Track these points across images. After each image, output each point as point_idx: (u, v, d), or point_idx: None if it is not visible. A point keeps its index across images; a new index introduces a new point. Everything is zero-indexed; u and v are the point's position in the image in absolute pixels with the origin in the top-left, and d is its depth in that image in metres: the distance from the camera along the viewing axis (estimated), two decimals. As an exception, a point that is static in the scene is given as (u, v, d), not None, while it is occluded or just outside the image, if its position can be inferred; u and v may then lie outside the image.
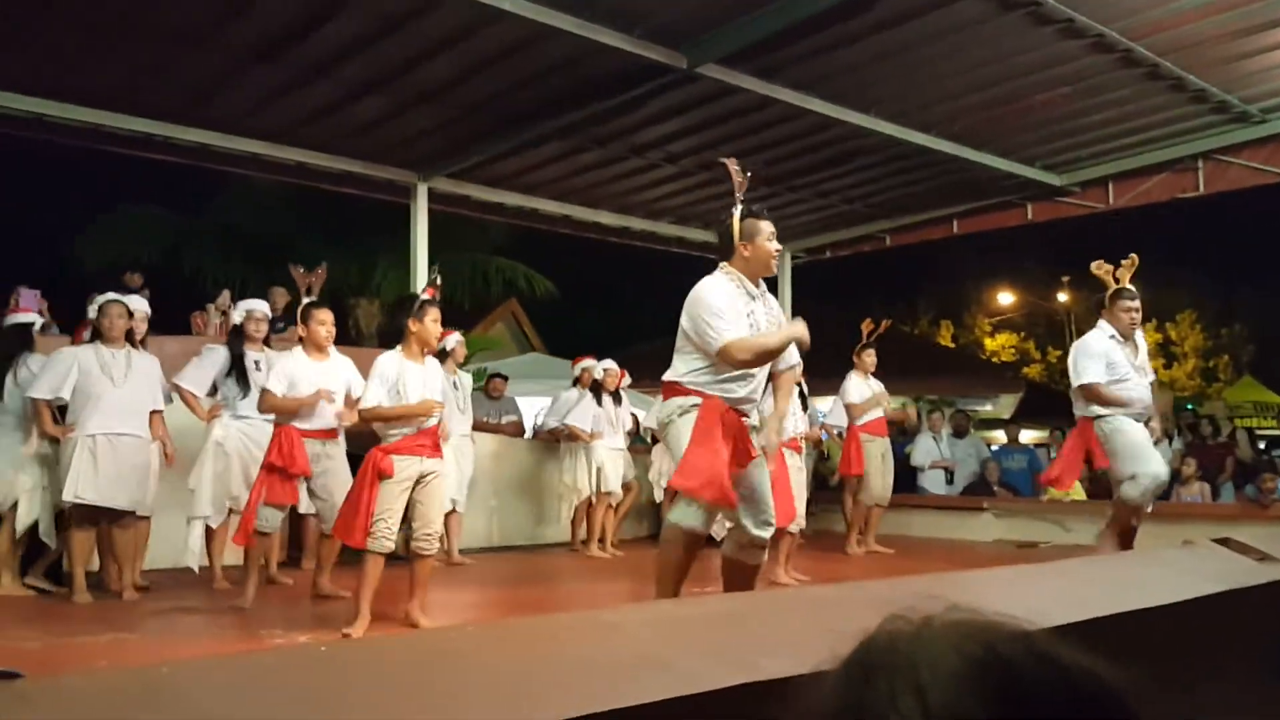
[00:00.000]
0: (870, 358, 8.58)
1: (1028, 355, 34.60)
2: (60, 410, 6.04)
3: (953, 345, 33.08)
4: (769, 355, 4.17)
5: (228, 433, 6.45)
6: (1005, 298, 32.62)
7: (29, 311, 6.81)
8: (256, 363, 6.57)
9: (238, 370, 6.53)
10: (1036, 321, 34.68)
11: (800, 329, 4.23)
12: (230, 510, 6.40)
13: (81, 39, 6.76)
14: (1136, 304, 6.15)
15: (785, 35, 6.77)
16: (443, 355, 8.07)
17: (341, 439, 5.95)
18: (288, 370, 5.75)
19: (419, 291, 5.33)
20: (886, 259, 13.63)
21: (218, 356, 6.69)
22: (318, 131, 8.47)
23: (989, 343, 34.90)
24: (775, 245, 4.25)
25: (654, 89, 7.53)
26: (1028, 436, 13.44)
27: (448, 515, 7.77)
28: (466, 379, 8.30)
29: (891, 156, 9.38)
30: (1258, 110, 8.30)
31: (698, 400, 4.09)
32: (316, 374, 5.79)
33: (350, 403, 5.82)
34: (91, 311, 6.11)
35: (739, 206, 4.26)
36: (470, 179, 9.84)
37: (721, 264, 4.27)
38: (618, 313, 27.11)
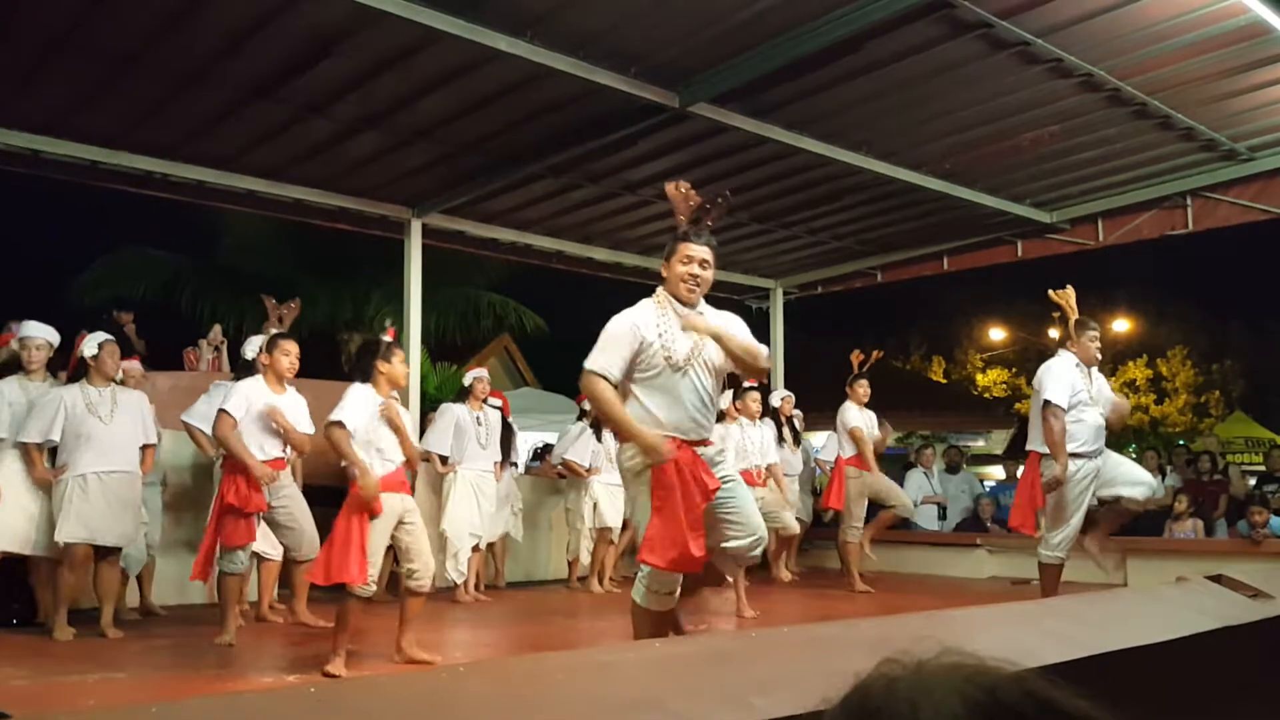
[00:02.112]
0: (863, 388, 8.58)
1: (1019, 391, 34.64)
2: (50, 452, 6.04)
3: (944, 380, 33.15)
4: (604, 416, 3.95)
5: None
6: (997, 333, 32.71)
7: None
8: None
9: None
10: (1028, 357, 34.74)
11: (652, 444, 3.85)
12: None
13: (78, 76, 6.80)
14: (1098, 334, 6.36)
15: (777, 76, 6.83)
16: (465, 393, 8.13)
17: (289, 469, 6.01)
18: (246, 394, 5.76)
19: (382, 334, 5.36)
20: (878, 295, 13.71)
21: (226, 393, 6.71)
22: (313, 168, 8.51)
23: (981, 378, 34.96)
24: (689, 269, 4.06)
25: (647, 128, 7.58)
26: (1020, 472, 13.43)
27: (474, 550, 7.84)
28: (494, 415, 8.31)
29: (882, 194, 9.44)
30: (1245, 148, 8.38)
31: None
32: (269, 403, 5.83)
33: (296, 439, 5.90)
34: (88, 350, 6.10)
35: (685, 228, 4.20)
36: (464, 215, 9.87)
37: (657, 290, 4.21)
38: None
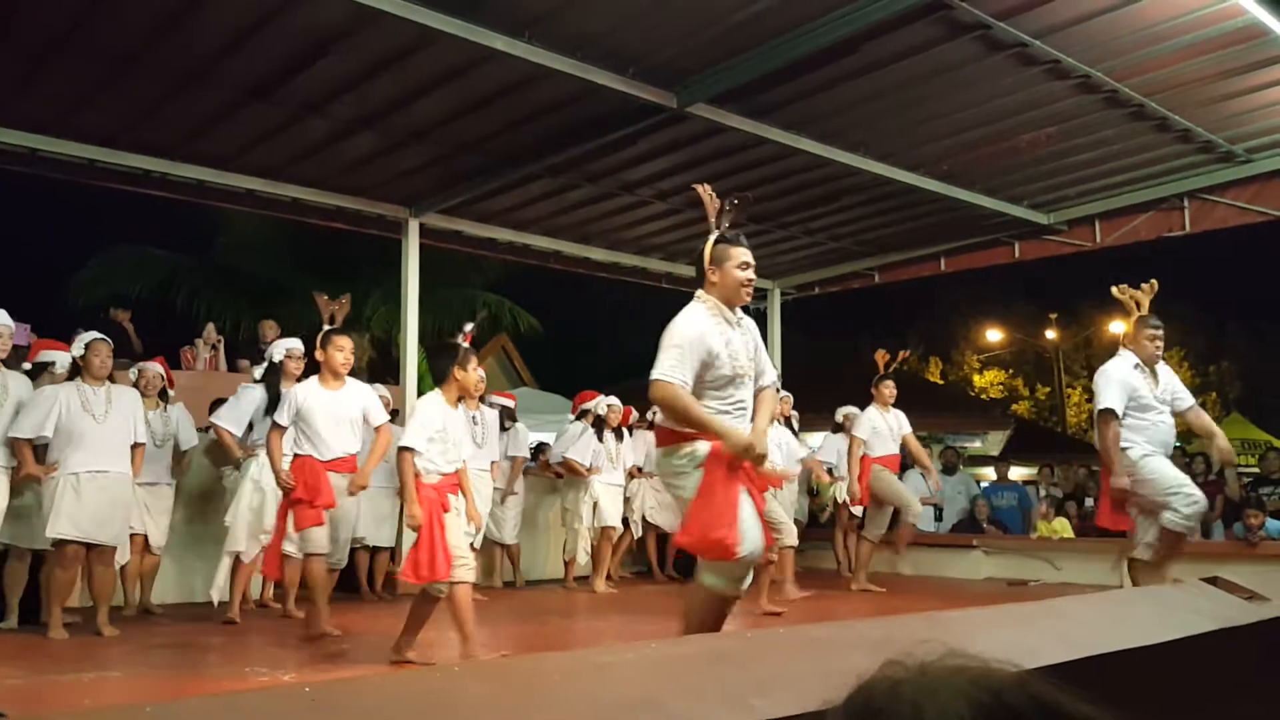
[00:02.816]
0: (889, 389, 8.43)
1: (1016, 392, 34.70)
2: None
3: (941, 381, 33.17)
4: (686, 420, 3.84)
5: (262, 470, 6.47)
6: (994, 334, 32.75)
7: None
8: None
9: (274, 408, 6.53)
10: (1025, 359, 34.81)
11: (746, 444, 3.83)
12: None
13: (78, 76, 6.79)
14: (1161, 332, 6.02)
15: (775, 76, 6.83)
16: None
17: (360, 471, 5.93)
18: (296, 400, 5.73)
19: (459, 339, 5.30)
20: (876, 296, 13.72)
21: (254, 395, 6.71)
22: (311, 168, 8.50)
23: (978, 379, 35.01)
24: (747, 275, 4.01)
25: (644, 128, 7.58)
26: (1016, 474, 13.46)
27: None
28: (491, 415, 8.33)
29: (880, 195, 9.45)
30: (1243, 150, 8.39)
31: (701, 448, 3.85)
32: (329, 403, 5.77)
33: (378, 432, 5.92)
34: (75, 349, 6.09)
35: (714, 232, 4.11)
36: (461, 215, 9.87)
37: (697, 292, 4.08)
38: (611, 347, 27.15)
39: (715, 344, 3.89)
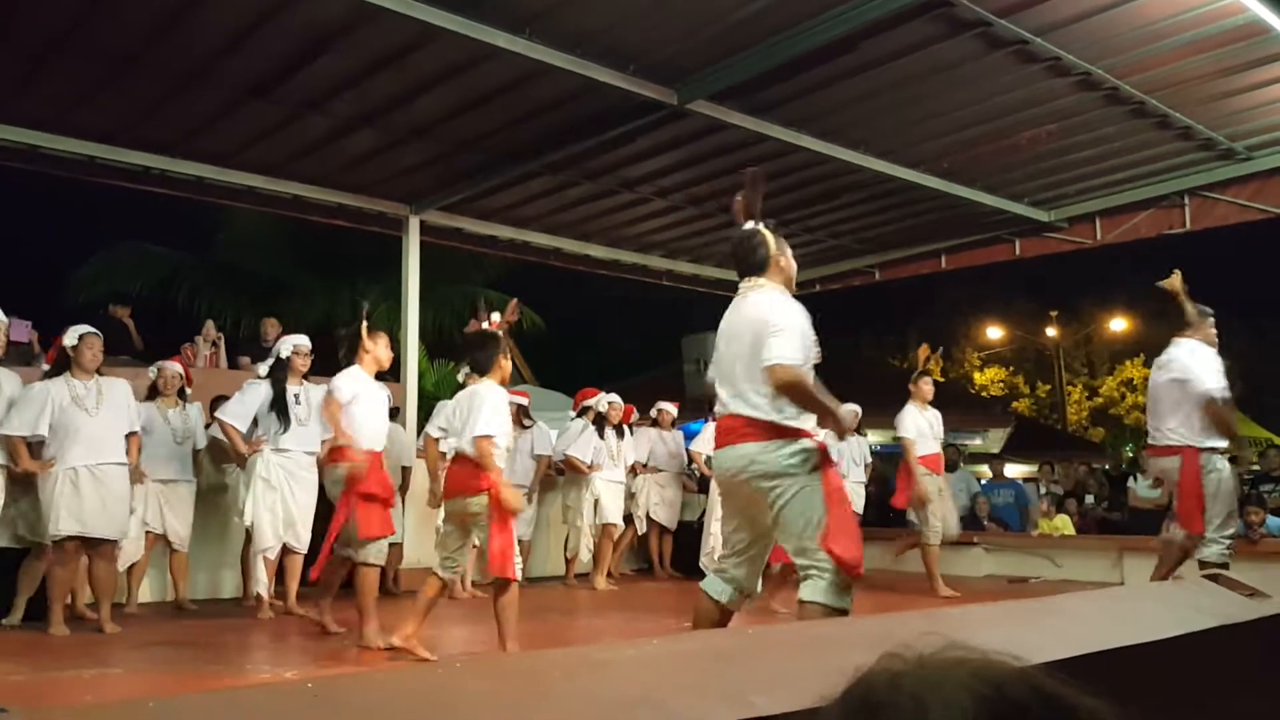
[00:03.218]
0: (928, 386, 8.20)
1: (1017, 389, 34.66)
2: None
3: (942, 379, 33.12)
4: (811, 403, 3.68)
5: (269, 466, 6.46)
6: (994, 332, 32.73)
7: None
8: (297, 396, 6.57)
9: (279, 405, 6.51)
10: (1025, 356, 34.78)
11: (844, 417, 3.87)
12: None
13: (78, 76, 6.79)
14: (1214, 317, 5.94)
15: (775, 74, 6.84)
16: (460, 389, 8.11)
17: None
18: (348, 383, 5.66)
19: (485, 327, 5.25)
20: (876, 293, 13.67)
21: (260, 391, 6.69)
22: (311, 165, 8.50)
23: (978, 377, 34.97)
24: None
25: (645, 125, 7.58)
26: (1017, 471, 13.44)
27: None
28: None
29: (880, 192, 9.45)
30: (1243, 148, 8.39)
31: (812, 445, 3.66)
32: (373, 391, 5.77)
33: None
34: (69, 340, 6.07)
35: (762, 221, 4.08)
36: (462, 212, 9.87)
37: (761, 281, 4.00)
38: (611, 344, 27.15)
39: (810, 331, 3.86)
